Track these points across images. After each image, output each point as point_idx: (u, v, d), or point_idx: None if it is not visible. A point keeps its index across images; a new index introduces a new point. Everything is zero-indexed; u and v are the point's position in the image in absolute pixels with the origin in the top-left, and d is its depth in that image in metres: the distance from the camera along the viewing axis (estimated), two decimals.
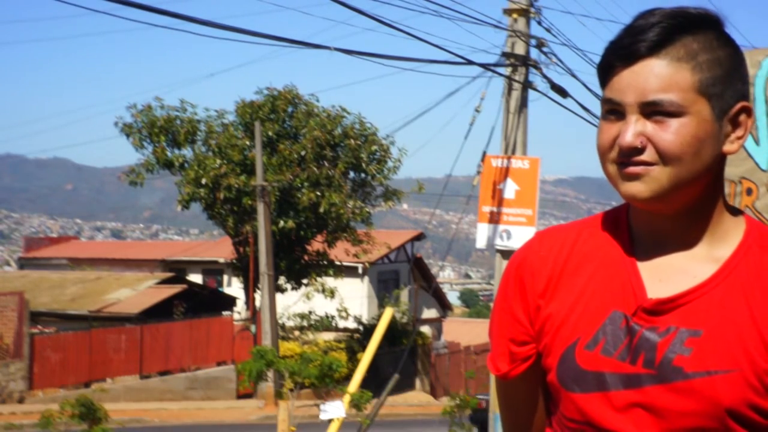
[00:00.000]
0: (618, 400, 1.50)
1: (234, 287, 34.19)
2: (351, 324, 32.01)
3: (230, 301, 31.29)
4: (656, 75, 1.46)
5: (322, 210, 26.45)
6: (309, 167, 26.65)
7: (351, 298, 32.91)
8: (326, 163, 27.18)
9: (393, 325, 27.51)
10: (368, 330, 29.31)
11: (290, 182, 26.33)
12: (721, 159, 1.52)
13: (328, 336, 30.95)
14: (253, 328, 26.93)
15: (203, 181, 26.48)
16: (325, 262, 29.02)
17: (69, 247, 45.35)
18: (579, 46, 14.62)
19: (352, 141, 27.46)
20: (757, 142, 2.29)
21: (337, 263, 29.45)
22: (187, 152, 27.87)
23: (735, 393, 1.44)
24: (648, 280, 1.53)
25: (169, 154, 27.65)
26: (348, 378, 12.82)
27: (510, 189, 13.10)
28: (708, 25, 1.49)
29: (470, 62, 12.76)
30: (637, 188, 1.47)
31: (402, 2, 11.61)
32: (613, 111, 1.50)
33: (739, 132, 1.51)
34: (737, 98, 1.50)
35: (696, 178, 1.48)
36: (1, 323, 23.44)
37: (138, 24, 9.14)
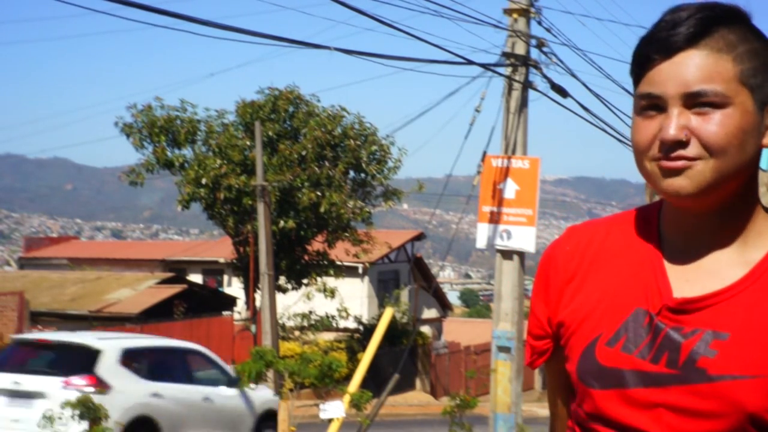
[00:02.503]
0: (637, 398, 1.47)
1: (234, 287, 34.18)
2: (351, 324, 32.00)
3: (230, 301, 31.27)
4: (698, 66, 1.43)
5: (322, 210, 26.43)
6: (309, 167, 26.64)
7: (351, 298, 32.91)
8: (326, 163, 27.18)
9: (393, 325, 27.51)
10: (368, 330, 29.31)
11: (290, 182, 26.32)
12: (758, 154, 1.48)
13: (329, 336, 30.94)
14: (253, 328, 26.91)
15: (203, 181, 26.47)
16: (326, 262, 29.01)
17: (69, 247, 45.36)
18: (579, 46, 14.63)
19: (352, 141, 27.46)
20: None
21: (338, 263, 29.43)
22: (187, 152, 27.86)
23: (759, 399, 1.41)
24: (675, 280, 1.50)
25: (169, 154, 27.63)
26: (348, 378, 12.81)
27: (510, 189, 13.11)
28: (738, 18, 1.48)
29: (470, 62, 12.78)
30: (680, 183, 1.43)
31: (402, 2, 11.63)
32: (652, 106, 1.46)
33: None
34: None
35: (739, 172, 1.44)
36: (1, 323, 23.42)
37: (138, 24, 9.15)
